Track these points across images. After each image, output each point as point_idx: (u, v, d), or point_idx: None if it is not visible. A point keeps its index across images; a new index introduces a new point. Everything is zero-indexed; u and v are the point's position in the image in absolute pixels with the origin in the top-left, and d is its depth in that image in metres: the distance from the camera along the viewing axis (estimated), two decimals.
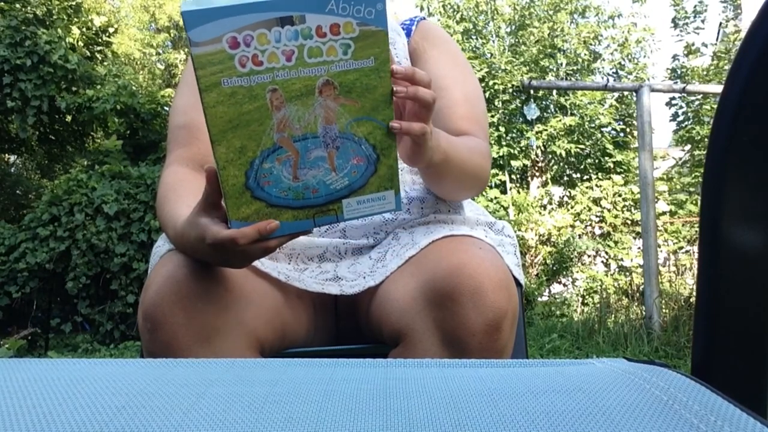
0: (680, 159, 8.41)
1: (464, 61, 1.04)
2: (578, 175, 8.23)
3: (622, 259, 6.91)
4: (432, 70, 0.98)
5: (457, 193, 0.94)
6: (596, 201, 7.18)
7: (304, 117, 0.63)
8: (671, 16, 8.43)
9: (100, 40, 7.73)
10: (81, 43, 7.38)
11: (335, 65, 0.61)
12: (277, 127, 0.62)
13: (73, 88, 6.44)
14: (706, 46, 8.37)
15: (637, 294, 5.35)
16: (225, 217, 0.67)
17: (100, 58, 7.77)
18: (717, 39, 9.59)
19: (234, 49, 0.58)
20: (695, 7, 8.38)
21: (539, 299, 6.14)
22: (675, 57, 8.50)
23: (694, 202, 7.00)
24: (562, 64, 8.39)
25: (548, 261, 6.74)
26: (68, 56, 6.12)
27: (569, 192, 7.90)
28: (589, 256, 7.07)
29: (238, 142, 0.62)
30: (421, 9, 8.90)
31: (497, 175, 7.89)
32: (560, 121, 7.76)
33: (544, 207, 7.73)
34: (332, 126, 0.64)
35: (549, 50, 8.36)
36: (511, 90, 7.89)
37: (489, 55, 8.55)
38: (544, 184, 8.20)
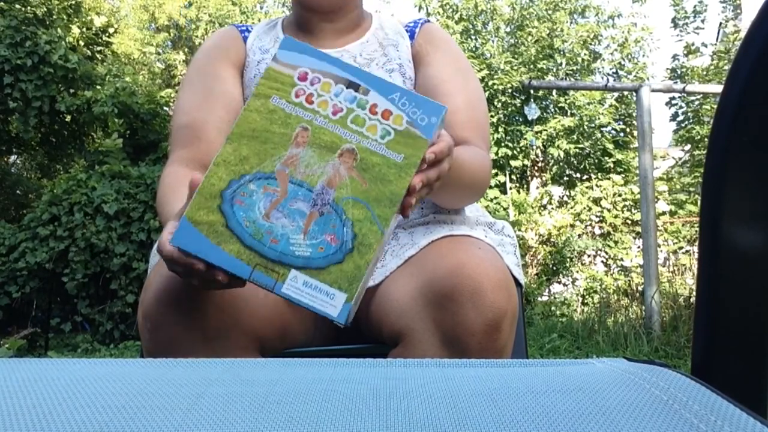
0: (680, 159, 8.41)
1: (467, 65, 1.04)
2: (578, 175, 8.23)
3: (622, 259, 6.91)
4: (434, 74, 0.99)
5: (456, 203, 0.95)
6: (596, 201, 7.18)
7: (312, 166, 0.63)
8: (671, 16, 8.43)
9: (100, 40, 7.74)
10: (81, 43, 7.39)
11: (367, 141, 0.63)
12: (285, 160, 0.63)
13: (72, 89, 6.44)
14: (705, 46, 8.38)
15: (637, 294, 5.35)
16: None
17: (100, 58, 7.78)
18: (717, 39, 9.59)
19: (300, 81, 0.65)
20: (695, 6, 8.38)
21: (539, 299, 6.14)
22: (675, 57, 8.50)
23: (694, 202, 7.00)
24: (561, 64, 8.39)
25: (548, 261, 6.75)
26: (68, 56, 6.12)
27: (569, 192, 7.90)
28: (589, 256, 7.07)
29: (246, 151, 0.63)
30: (420, 9, 8.90)
31: (497, 175, 7.89)
32: (560, 121, 7.76)
33: (544, 207, 7.73)
34: (331, 191, 0.62)
35: (548, 50, 8.35)
36: (510, 90, 7.89)
37: (488, 55, 8.55)
38: (544, 184, 8.20)
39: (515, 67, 8.08)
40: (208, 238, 0.61)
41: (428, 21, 1.10)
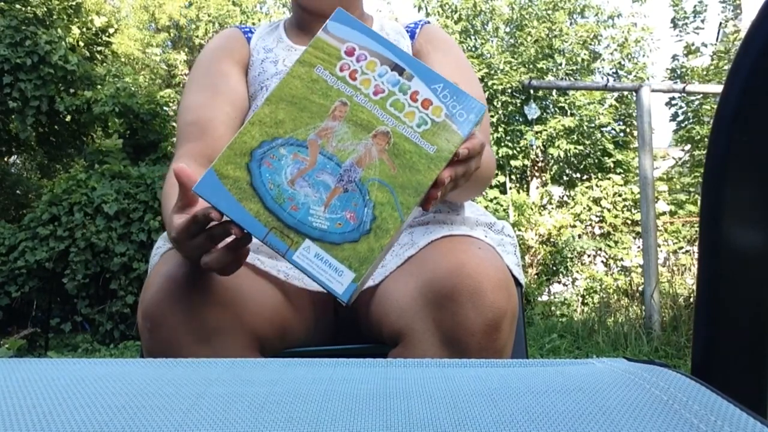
0: (680, 159, 8.41)
1: (467, 66, 1.04)
2: (578, 175, 8.23)
3: (622, 259, 6.91)
4: None
5: (462, 198, 0.96)
6: (596, 201, 7.18)
7: (345, 142, 0.63)
8: (671, 16, 8.44)
9: (100, 40, 7.74)
10: (81, 44, 7.39)
11: (403, 127, 0.63)
12: (319, 131, 0.63)
13: (72, 90, 6.44)
14: (705, 46, 8.38)
15: (637, 294, 5.35)
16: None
17: (100, 59, 7.78)
18: (717, 39, 9.59)
19: (347, 56, 0.65)
20: (695, 6, 8.38)
21: (539, 299, 6.15)
22: (675, 57, 8.51)
23: (694, 202, 7.00)
24: (561, 64, 8.39)
25: (548, 261, 6.75)
26: (68, 57, 6.13)
27: (569, 192, 7.90)
28: (589, 256, 7.07)
29: (282, 115, 0.63)
30: (419, 9, 8.90)
31: (497, 175, 7.89)
32: (560, 121, 7.76)
33: (544, 207, 7.73)
34: (359, 169, 0.62)
35: (548, 50, 8.36)
36: (510, 90, 7.89)
37: (488, 55, 8.55)
38: (544, 184, 8.20)
39: (515, 67, 8.09)
40: (231, 193, 0.62)
41: (428, 22, 1.10)
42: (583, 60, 8.46)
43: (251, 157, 0.62)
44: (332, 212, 0.61)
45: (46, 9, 6.55)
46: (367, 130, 0.63)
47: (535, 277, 6.50)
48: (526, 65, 8.21)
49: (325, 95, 0.64)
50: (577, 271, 6.83)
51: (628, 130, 8.29)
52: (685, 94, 7.50)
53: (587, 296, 6.27)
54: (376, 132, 0.63)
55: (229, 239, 0.65)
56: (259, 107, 0.63)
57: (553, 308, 5.86)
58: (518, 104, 8.01)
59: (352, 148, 0.63)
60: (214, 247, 0.65)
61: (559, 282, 6.86)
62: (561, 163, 8.16)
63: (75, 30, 7.23)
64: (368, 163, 0.62)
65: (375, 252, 0.60)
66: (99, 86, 6.54)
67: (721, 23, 9.44)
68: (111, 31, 7.89)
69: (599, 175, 7.83)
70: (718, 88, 4.42)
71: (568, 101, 8.09)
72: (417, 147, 0.62)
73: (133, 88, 6.57)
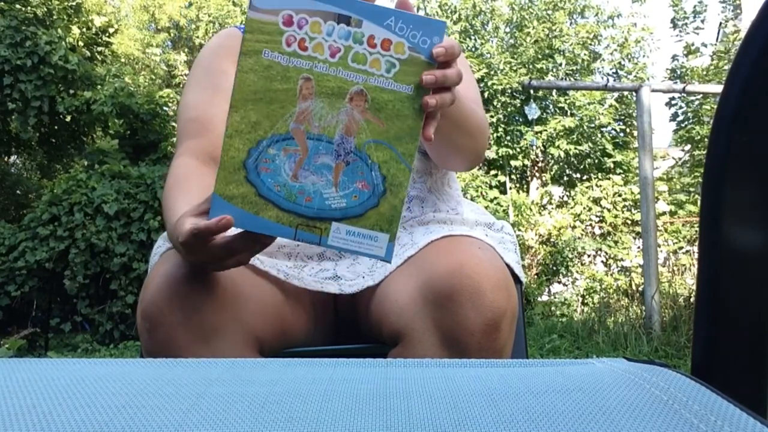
0: (680, 159, 8.41)
1: (465, 64, 1.04)
2: (578, 175, 8.23)
3: (622, 259, 6.91)
4: None
5: (457, 154, 0.91)
6: (596, 201, 7.18)
7: (326, 117, 0.61)
8: (671, 17, 8.43)
9: (100, 40, 7.73)
10: (81, 44, 7.38)
11: (374, 79, 0.60)
12: (296, 117, 0.61)
13: (71, 90, 6.44)
14: (705, 46, 8.37)
15: (637, 294, 5.35)
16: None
17: (100, 59, 7.78)
18: (717, 39, 9.59)
19: (286, 27, 0.59)
20: (695, 6, 8.38)
21: (539, 299, 6.15)
22: (674, 57, 8.51)
23: (694, 202, 7.00)
24: (561, 64, 8.39)
25: (548, 261, 6.75)
26: (68, 57, 6.13)
27: (569, 192, 7.90)
28: (589, 256, 7.07)
29: (255, 116, 0.61)
30: (417, 10, 8.91)
31: (497, 175, 7.89)
32: (560, 122, 7.76)
33: (544, 207, 7.73)
34: (350, 138, 0.62)
35: (547, 50, 8.36)
36: (510, 90, 7.89)
37: (488, 56, 8.55)
38: (544, 185, 8.20)
39: (514, 68, 8.08)
40: (245, 210, 0.62)
41: None
42: (583, 60, 8.46)
43: (246, 169, 0.62)
44: (344, 188, 0.62)
45: (46, 9, 6.55)
46: (340, 96, 0.61)
47: (535, 277, 6.50)
48: (526, 65, 8.21)
49: (285, 78, 0.60)
50: (577, 271, 6.83)
51: (628, 130, 8.29)
52: (685, 94, 7.50)
53: (587, 296, 6.28)
54: (351, 94, 0.61)
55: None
56: (228, 116, 0.61)
57: (553, 308, 5.86)
58: (518, 104, 8.01)
59: (335, 120, 0.61)
60: (231, 256, 0.66)
61: (559, 282, 6.86)
62: (561, 164, 8.17)
63: (75, 30, 7.23)
64: (357, 129, 0.62)
65: (398, 208, 0.63)
66: (99, 86, 6.54)
67: (721, 23, 9.43)
68: (111, 31, 7.89)
69: (599, 175, 7.83)
70: (718, 88, 4.42)
71: (568, 101, 8.09)
72: (394, 93, 0.61)
73: (132, 88, 6.57)
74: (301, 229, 0.63)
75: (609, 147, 7.97)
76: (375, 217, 0.63)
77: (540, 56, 8.30)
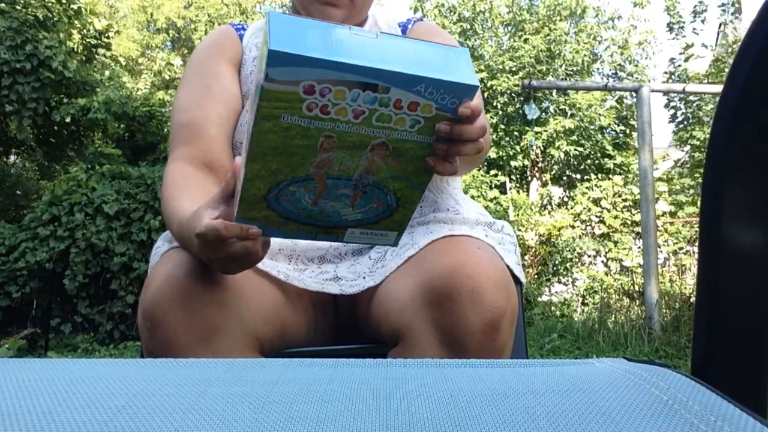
0: (680, 159, 8.41)
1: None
2: (578, 175, 8.23)
3: (622, 260, 6.91)
4: None
5: (462, 166, 0.92)
6: (596, 201, 7.18)
7: (346, 163, 0.62)
8: (667, 21, 8.42)
9: (100, 42, 7.73)
10: (81, 47, 7.38)
11: (397, 133, 0.60)
12: (317, 164, 0.61)
13: (68, 95, 6.44)
14: (705, 47, 8.37)
15: (638, 294, 5.35)
16: (226, 217, 0.66)
17: (99, 62, 7.77)
18: (716, 42, 9.58)
19: (307, 95, 0.56)
20: (695, 7, 8.37)
21: (539, 299, 6.14)
22: (672, 60, 8.50)
23: (694, 202, 7.00)
24: (561, 65, 8.39)
25: (548, 261, 6.75)
26: (67, 63, 6.13)
27: (569, 192, 7.90)
28: (589, 256, 7.07)
29: (275, 165, 0.60)
30: (416, 11, 8.90)
31: (497, 175, 7.89)
32: (560, 123, 7.76)
33: (544, 207, 7.73)
34: (368, 176, 0.63)
35: (547, 52, 8.36)
36: (509, 91, 7.89)
37: (487, 56, 8.55)
38: (544, 185, 8.20)
39: (514, 69, 8.08)
40: (267, 226, 0.66)
41: (421, 19, 1.10)
42: (582, 61, 8.46)
43: (267, 201, 0.64)
44: (360, 208, 0.67)
45: (46, 11, 6.55)
46: (362, 148, 0.60)
47: (535, 277, 6.50)
48: (526, 67, 8.22)
49: (305, 136, 0.58)
50: (577, 272, 6.82)
51: (627, 131, 8.28)
52: (684, 95, 7.49)
53: (587, 296, 6.27)
54: (373, 145, 0.60)
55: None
56: (246, 164, 0.60)
57: (553, 308, 5.86)
58: (518, 105, 8.01)
59: (355, 164, 0.62)
60: (243, 260, 0.68)
61: (559, 282, 6.86)
62: (561, 164, 8.17)
63: (75, 33, 7.23)
64: (376, 169, 0.63)
65: (408, 215, 0.69)
66: (98, 90, 6.55)
67: (720, 25, 9.43)
68: (111, 33, 7.88)
69: (599, 175, 7.83)
70: (718, 88, 4.42)
71: (568, 102, 8.09)
72: (416, 143, 0.61)
73: (127, 92, 6.57)
74: (320, 234, 0.69)
75: (609, 148, 7.97)
76: (386, 223, 0.69)
77: (540, 57, 8.30)
